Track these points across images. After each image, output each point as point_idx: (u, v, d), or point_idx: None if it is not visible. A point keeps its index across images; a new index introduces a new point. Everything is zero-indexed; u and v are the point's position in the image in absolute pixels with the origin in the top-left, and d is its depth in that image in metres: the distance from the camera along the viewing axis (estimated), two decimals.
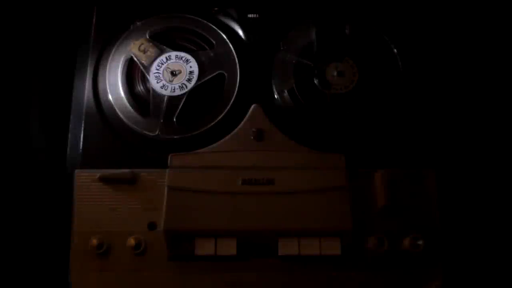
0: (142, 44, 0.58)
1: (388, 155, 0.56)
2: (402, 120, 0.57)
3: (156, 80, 0.57)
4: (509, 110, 0.63)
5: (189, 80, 0.57)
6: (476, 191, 0.59)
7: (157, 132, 0.56)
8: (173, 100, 0.57)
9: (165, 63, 0.58)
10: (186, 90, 0.57)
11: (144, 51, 0.58)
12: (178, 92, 0.57)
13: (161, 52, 0.58)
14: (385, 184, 0.53)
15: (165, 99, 0.57)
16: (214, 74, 0.58)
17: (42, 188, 0.60)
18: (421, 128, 0.57)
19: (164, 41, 0.60)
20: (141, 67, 0.58)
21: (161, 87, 0.57)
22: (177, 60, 0.58)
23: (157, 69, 0.58)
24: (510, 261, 0.58)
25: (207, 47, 0.59)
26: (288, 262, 0.53)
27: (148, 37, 0.59)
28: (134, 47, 0.58)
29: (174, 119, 0.56)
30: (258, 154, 0.54)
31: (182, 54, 0.58)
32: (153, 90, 0.57)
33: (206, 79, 0.57)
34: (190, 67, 0.58)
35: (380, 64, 0.59)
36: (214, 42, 0.59)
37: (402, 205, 0.54)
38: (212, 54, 0.59)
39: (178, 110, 0.56)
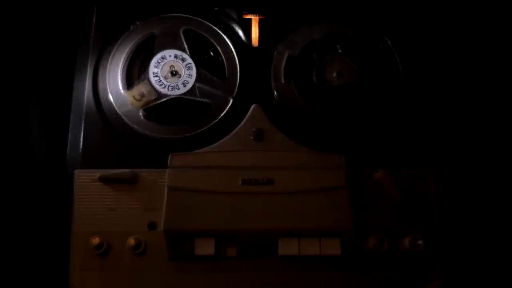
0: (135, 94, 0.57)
1: (388, 155, 0.56)
2: (402, 120, 0.57)
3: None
4: (509, 110, 0.63)
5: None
6: (476, 191, 0.60)
7: (157, 132, 0.56)
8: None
9: (164, 62, 0.58)
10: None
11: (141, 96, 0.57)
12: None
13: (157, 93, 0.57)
14: (393, 180, 0.54)
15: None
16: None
17: (42, 188, 0.60)
18: (421, 128, 0.57)
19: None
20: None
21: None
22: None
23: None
24: (510, 261, 0.58)
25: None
26: (288, 262, 0.53)
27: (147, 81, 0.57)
28: (132, 101, 0.57)
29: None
30: (258, 154, 0.54)
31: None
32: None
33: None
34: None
35: (380, 64, 0.59)
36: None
37: (402, 205, 0.54)
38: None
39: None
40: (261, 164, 0.53)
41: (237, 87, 0.57)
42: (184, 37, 0.59)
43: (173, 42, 0.59)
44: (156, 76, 0.57)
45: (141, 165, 0.55)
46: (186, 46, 0.59)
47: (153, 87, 0.57)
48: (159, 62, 0.57)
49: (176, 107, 0.57)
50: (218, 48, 0.59)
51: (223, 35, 0.59)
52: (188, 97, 0.57)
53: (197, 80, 0.57)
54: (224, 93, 0.57)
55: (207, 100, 0.57)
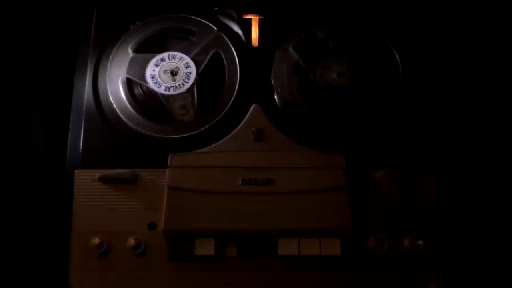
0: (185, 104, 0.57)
1: (388, 155, 0.56)
2: (402, 120, 0.57)
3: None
4: (509, 110, 0.63)
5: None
6: (476, 191, 0.60)
7: (157, 132, 0.56)
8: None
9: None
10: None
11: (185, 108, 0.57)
12: (194, 75, 0.57)
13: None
14: (393, 180, 0.54)
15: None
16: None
17: (42, 188, 0.60)
18: (421, 128, 0.57)
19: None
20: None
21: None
22: (161, 65, 0.58)
23: (162, 85, 0.57)
24: (510, 261, 0.58)
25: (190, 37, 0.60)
26: (288, 262, 0.53)
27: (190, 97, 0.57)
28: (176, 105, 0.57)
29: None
30: (258, 154, 0.54)
31: (176, 53, 0.58)
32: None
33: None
34: (174, 57, 0.58)
35: (380, 64, 0.59)
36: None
37: (402, 205, 0.54)
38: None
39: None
40: (261, 164, 0.53)
41: (237, 87, 0.57)
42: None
43: (140, 64, 0.58)
44: (170, 87, 0.57)
45: (141, 165, 0.55)
46: (142, 55, 0.58)
47: (180, 94, 0.57)
48: (156, 81, 0.57)
49: (205, 84, 0.57)
50: (200, 33, 0.59)
51: (223, 35, 0.59)
52: (200, 69, 0.57)
53: (188, 54, 0.58)
54: (209, 34, 0.59)
55: (215, 50, 0.58)
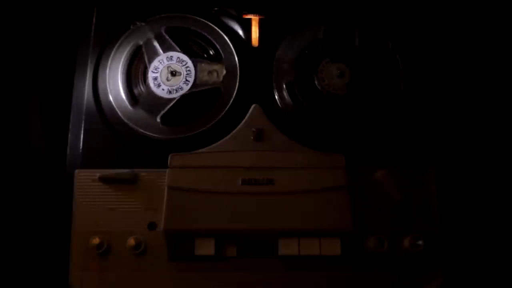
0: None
1: (388, 155, 0.56)
2: (402, 120, 0.57)
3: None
4: (509, 110, 0.63)
5: (186, 82, 0.57)
6: (476, 191, 0.60)
7: (157, 132, 0.56)
8: (199, 80, 0.57)
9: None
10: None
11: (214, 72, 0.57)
12: (192, 76, 0.57)
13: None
14: (393, 180, 0.54)
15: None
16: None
17: (42, 188, 0.60)
18: (421, 128, 0.57)
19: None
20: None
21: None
22: (158, 69, 0.58)
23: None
24: (510, 261, 0.58)
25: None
26: (288, 262, 0.53)
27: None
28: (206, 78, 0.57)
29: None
30: (258, 154, 0.54)
31: (153, 64, 0.58)
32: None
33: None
34: (167, 57, 0.58)
35: (380, 64, 0.59)
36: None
37: (402, 205, 0.54)
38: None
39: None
40: (261, 164, 0.53)
41: (237, 87, 0.57)
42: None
43: (149, 99, 0.57)
44: (186, 81, 0.57)
45: (141, 165, 0.55)
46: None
47: (196, 73, 0.57)
48: (176, 90, 0.57)
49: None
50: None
51: (223, 34, 0.59)
52: (177, 48, 0.58)
53: (157, 54, 0.58)
54: (145, 30, 0.60)
55: (164, 28, 0.59)
